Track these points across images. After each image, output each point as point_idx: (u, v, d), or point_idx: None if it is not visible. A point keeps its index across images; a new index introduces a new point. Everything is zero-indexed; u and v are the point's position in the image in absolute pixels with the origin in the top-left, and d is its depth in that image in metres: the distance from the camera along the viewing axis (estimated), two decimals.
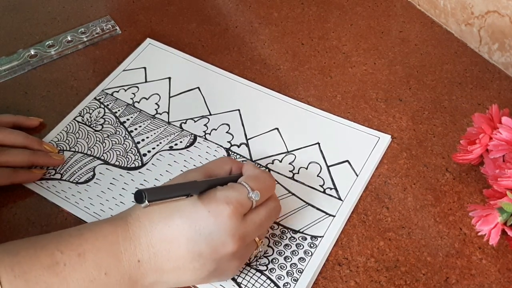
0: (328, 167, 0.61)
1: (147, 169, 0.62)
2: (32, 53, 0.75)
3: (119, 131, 0.66)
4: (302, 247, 0.55)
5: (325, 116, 0.66)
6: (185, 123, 0.66)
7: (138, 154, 0.63)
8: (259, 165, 0.62)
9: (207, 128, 0.66)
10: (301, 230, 0.56)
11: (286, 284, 0.52)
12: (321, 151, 0.63)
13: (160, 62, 0.74)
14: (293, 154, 0.63)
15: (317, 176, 0.61)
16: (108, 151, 0.64)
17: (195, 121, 0.67)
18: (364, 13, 0.80)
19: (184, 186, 0.47)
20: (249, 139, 0.65)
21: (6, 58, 0.75)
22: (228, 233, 0.46)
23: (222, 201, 0.46)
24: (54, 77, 0.73)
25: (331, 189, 0.59)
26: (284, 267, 0.54)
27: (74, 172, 0.62)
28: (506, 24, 0.66)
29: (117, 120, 0.67)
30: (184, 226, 0.45)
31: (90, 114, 0.68)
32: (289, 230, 0.56)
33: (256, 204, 0.48)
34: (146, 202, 0.43)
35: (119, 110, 0.68)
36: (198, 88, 0.70)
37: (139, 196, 0.43)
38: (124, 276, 0.45)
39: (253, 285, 0.52)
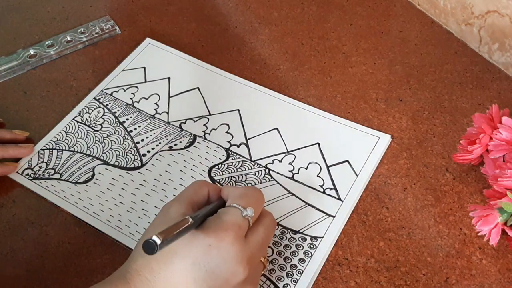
0: (328, 167, 0.61)
1: (146, 169, 0.62)
2: (32, 53, 0.75)
3: (118, 131, 0.66)
4: (302, 247, 0.55)
5: (325, 116, 0.66)
6: (184, 123, 0.66)
7: (137, 154, 0.63)
8: (258, 165, 0.62)
9: (207, 128, 0.66)
10: (301, 231, 0.56)
11: (286, 285, 0.52)
12: (321, 151, 0.63)
13: (159, 62, 0.73)
14: (293, 154, 0.63)
15: (317, 176, 0.60)
16: (107, 151, 0.64)
17: (194, 121, 0.66)
18: (364, 13, 0.79)
19: (186, 228, 0.44)
20: (248, 139, 0.64)
21: (5, 58, 0.74)
22: (235, 261, 0.44)
23: (220, 230, 0.44)
24: (54, 77, 0.73)
25: (331, 189, 0.59)
26: (284, 268, 0.53)
27: (74, 172, 0.62)
28: (506, 24, 0.66)
29: (117, 120, 0.67)
30: (187, 268, 0.43)
31: (90, 114, 0.68)
32: (288, 231, 0.56)
33: (252, 221, 0.47)
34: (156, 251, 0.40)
35: (118, 110, 0.68)
36: (198, 88, 0.70)
37: (149, 247, 0.40)
38: None
39: None
